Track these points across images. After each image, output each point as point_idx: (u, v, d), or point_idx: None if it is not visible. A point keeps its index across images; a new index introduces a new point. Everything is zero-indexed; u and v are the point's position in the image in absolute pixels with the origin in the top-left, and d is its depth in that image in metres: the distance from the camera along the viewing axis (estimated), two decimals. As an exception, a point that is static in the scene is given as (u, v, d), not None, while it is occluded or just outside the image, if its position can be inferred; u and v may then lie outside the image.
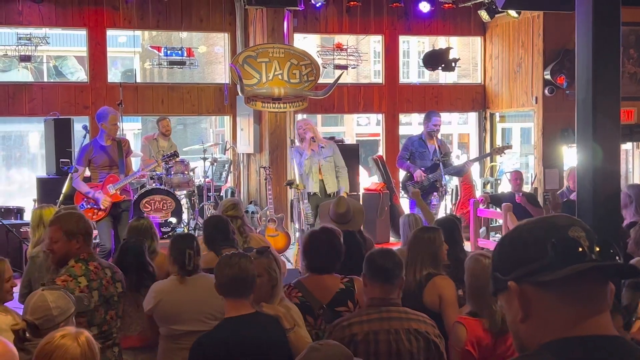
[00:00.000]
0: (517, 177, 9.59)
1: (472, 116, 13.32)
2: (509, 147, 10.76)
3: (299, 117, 11.29)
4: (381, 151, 12.34)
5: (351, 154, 10.72)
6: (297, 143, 9.42)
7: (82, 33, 11.29)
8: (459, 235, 5.31)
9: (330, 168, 9.01)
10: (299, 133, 9.24)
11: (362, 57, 11.99)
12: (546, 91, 11.10)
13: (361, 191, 11.05)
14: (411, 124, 17.77)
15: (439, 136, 9.81)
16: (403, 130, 13.99)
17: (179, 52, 10.95)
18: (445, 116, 18.04)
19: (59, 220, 4.10)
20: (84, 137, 8.12)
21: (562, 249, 1.48)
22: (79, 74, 17.28)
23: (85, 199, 7.86)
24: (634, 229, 5.62)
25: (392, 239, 10.71)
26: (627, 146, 12.14)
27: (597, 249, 1.50)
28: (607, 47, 5.48)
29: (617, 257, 1.52)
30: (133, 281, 4.52)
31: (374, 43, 14.59)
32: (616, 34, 5.49)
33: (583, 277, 1.47)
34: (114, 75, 16.73)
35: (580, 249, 1.48)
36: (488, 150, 12.18)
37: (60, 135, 9.95)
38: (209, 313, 4.14)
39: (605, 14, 5.51)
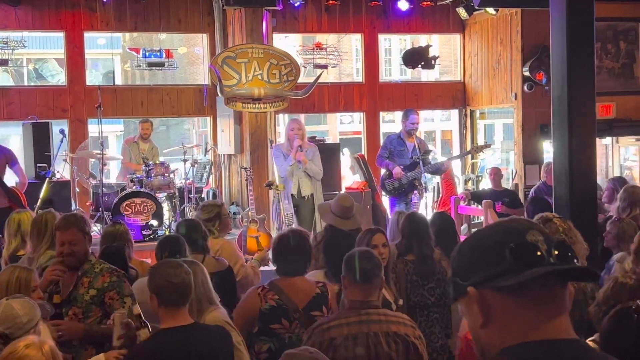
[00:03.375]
0: (494, 173, 9.63)
1: (455, 113, 13.35)
2: (488, 146, 10.81)
3: (285, 116, 11.27)
4: (363, 150, 12.34)
5: (332, 153, 10.72)
6: (280, 141, 9.40)
7: (60, 36, 11.19)
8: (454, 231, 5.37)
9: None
10: (288, 134, 9.20)
11: (342, 55, 11.98)
12: (525, 87, 11.14)
13: (343, 190, 11.04)
14: (394, 122, 17.77)
15: (422, 134, 9.83)
16: (387, 128, 14.00)
17: (158, 53, 10.89)
18: (428, 113, 18.10)
19: (74, 222, 4.19)
20: (61, 141, 8.06)
21: (520, 253, 1.48)
22: (59, 77, 17.17)
23: None
24: (611, 223, 5.63)
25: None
26: (606, 141, 12.21)
27: (556, 252, 1.50)
28: (582, 44, 5.51)
29: (575, 260, 1.52)
30: None
31: (355, 41, 14.58)
32: (590, 30, 5.53)
33: (542, 281, 1.47)
34: (95, 78, 16.67)
35: (539, 253, 1.48)
36: (469, 147, 12.21)
37: (39, 139, 9.85)
38: None
39: (579, 11, 5.54)
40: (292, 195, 8.91)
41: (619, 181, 7.33)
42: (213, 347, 3.37)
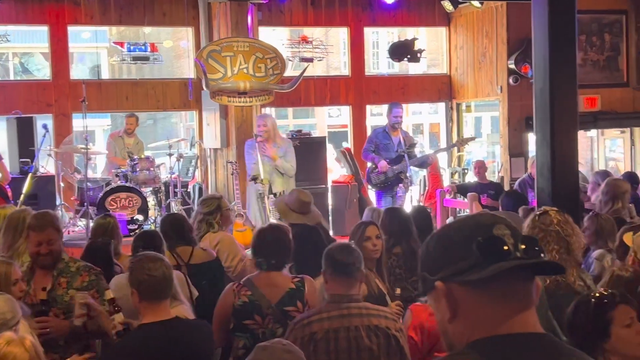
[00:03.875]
0: (479, 166, 9.65)
1: (442, 106, 13.37)
2: (472, 138, 10.83)
3: (264, 111, 11.23)
4: (349, 143, 12.34)
5: (318, 147, 10.71)
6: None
7: (44, 29, 11.12)
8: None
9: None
10: (256, 131, 9.14)
11: (328, 49, 11.96)
12: (510, 80, 11.15)
13: (329, 183, 11.04)
14: (382, 115, 17.77)
15: (410, 127, 9.85)
16: (375, 121, 13.99)
17: (143, 47, 10.84)
18: (415, 106, 18.10)
19: (50, 221, 4.16)
20: (44, 136, 8.02)
21: (487, 247, 1.48)
22: (45, 71, 17.07)
23: None
24: (589, 219, 5.59)
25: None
26: (591, 133, 12.25)
27: (522, 246, 1.50)
28: (564, 37, 5.52)
29: (541, 254, 1.52)
30: None
31: (342, 34, 14.56)
32: (572, 23, 5.53)
33: (508, 275, 1.47)
34: (81, 72, 16.58)
35: (506, 247, 1.48)
36: (455, 140, 12.23)
37: (23, 134, 9.81)
38: None
39: (561, 3, 5.54)
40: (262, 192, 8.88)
41: (602, 175, 7.35)
42: (194, 342, 3.36)
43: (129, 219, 9.44)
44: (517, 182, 9.19)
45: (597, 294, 3.04)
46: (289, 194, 5.85)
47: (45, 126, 8.31)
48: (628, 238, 4.36)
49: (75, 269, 4.14)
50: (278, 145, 8.98)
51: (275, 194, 8.60)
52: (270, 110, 12.78)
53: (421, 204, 10.73)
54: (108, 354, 3.41)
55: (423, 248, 1.62)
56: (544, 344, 1.50)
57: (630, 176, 8.04)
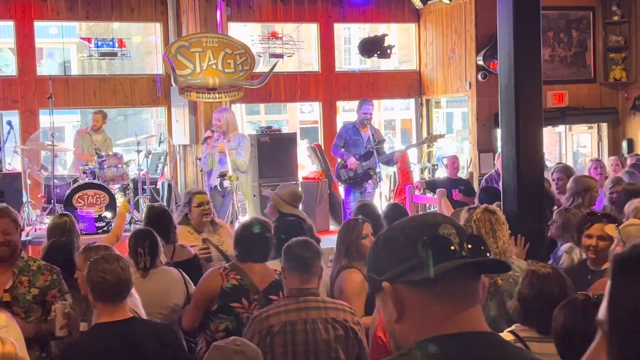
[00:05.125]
0: (453, 162, 9.70)
1: (414, 102, 13.39)
2: (442, 135, 10.87)
3: (243, 106, 11.18)
4: (319, 139, 12.33)
5: (289, 143, 10.69)
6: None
7: (10, 25, 10.97)
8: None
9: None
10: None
11: (298, 45, 11.93)
12: (479, 76, 11.20)
13: (300, 180, 11.03)
14: (354, 111, 17.76)
15: (382, 123, 9.86)
16: (347, 117, 13.96)
17: (110, 43, 10.73)
18: (387, 102, 18.12)
19: (7, 212, 4.08)
20: (8, 132, 7.91)
21: (433, 247, 1.47)
22: (13, 67, 16.85)
23: None
24: (558, 213, 5.69)
25: (331, 227, 10.72)
26: (559, 129, 12.36)
27: (469, 245, 1.49)
28: (528, 33, 5.54)
29: (487, 253, 1.51)
30: None
31: (313, 31, 14.54)
32: (536, 19, 5.55)
33: (454, 275, 1.47)
34: (50, 67, 16.35)
35: (452, 247, 1.48)
36: (425, 136, 12.27)
37: (-12, 131, 9.69)
38: (166, 306, 4.35)
39: (525, 0, 5.57)
40: (215, 187, 8.84)
41: (562, 170, 7.42)
42: (153, 343, 3.34)
43: (97, 216, 9.35)
44: (484, 178, 9.24)
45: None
46: (281, 187, 6.05)
47: (10, 122, 8.21)
48: (611, 229, 4.39)
49: (37, 267, 4.09)
50: (231, 140, 8.88)
51: (226, 189, 8.57)
52: (240, 106, 12.74)
53: (391, 200, 10.76)
54: (62, 352, 3.37)
55: (370, 248, 1.61)
56: (490, 343, 1.50)
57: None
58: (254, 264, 4.21)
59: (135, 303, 3.73)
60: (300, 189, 10.35)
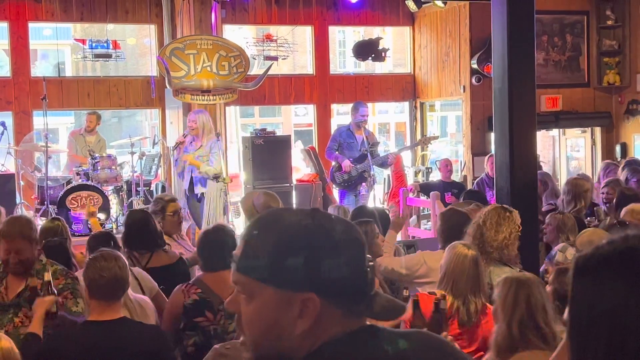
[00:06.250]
0: (446, 165, 9.71)
1: (408, 105, 13.41)
2: (436, 137, 10.89)
3: (237, 108, 11.17)
4: (314, 142, 12.33)
5: (283, 146, 10.67)
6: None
7: (4, 26, 10.95)
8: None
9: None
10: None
11: (293, 47, 11.93)
12: (473, 80, 11.23)
13: (294, 182, 11.02)
14: (348, 114, 17.76)
15: (377, 126, 9.88)
16: (341, 120, 13.97)
17: (105, 44, 10.72)
18: (382, 106, 18.14)
19: (19, 230, 3.93)
20: (2, 133, 7.89)
21: None
22: (8, 67, 16.82)
23: None
24: (551, 216, 5.71)
25: (325, 230, 10.70)
26: (553, 133, 12.38)
27: None
28: (522, 37, 5.56)
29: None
30: None
31: (308, 33, 14.55)
32: (530, 23, 5.58)
33: None
34: (45, 69, 16.34)
35: None
36: (418, 139, 12.28)
37: (-18, 132, 9.65)
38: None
39: (519, 4, 5.59)
40: (184, 190, 8.82)
41: (541, 175, 7.46)
42: (139, 346, 3.32)
43: (90, 218, 9.32)
44: (475, 182, 9.27)
45: None
46: (258, 197, 5.82)
47: (3, 123, 8.20)
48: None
49: (52, 272, 4.04)
50: (203, 145, 8.79)
51: (197, 195, 8.57)
52: (234, 109, 12.75)
53: (385, 202, 10.77)
54: (44, 343, 3.35)
55: None
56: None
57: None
58: (218, 273, 4.10)
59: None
60: (294, 192, 10.45)
